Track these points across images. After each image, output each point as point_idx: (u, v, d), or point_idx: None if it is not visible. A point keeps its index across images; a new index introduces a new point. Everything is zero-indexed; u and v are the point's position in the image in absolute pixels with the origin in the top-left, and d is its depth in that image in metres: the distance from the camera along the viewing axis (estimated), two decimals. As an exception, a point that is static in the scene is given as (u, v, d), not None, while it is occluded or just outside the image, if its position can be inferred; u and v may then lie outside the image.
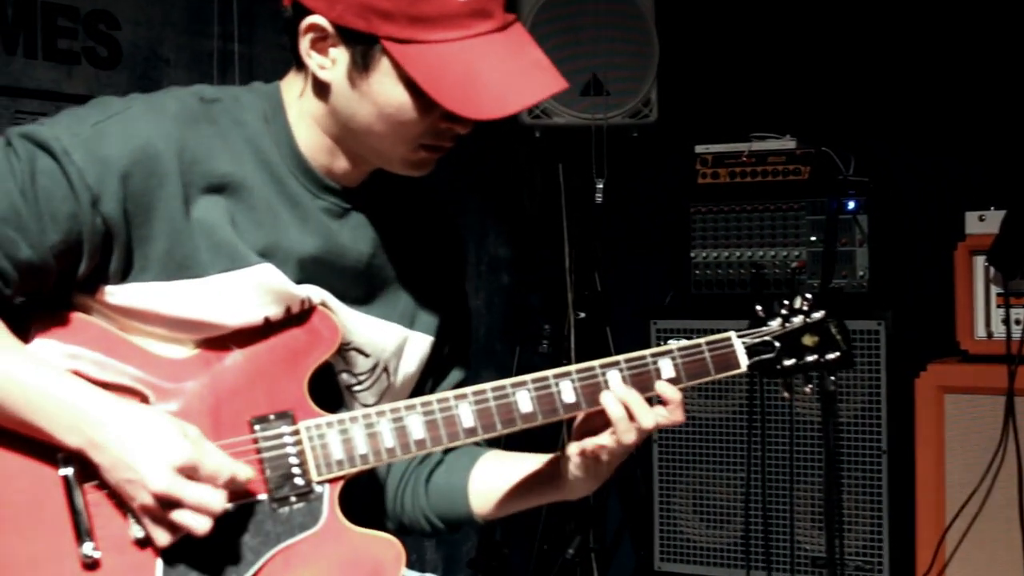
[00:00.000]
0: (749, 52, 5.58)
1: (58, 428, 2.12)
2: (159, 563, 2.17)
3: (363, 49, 2.19)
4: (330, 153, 2.34)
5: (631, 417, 2.32)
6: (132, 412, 2.14)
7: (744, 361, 2.44)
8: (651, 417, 2.33)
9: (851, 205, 4.87)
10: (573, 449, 2.39)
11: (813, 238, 4.93)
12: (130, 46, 4.38)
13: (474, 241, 5.81)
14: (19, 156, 2.15)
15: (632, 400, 2.33)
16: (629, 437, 2.32)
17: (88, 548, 2.14)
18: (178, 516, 2.11)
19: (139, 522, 2.16)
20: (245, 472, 2.19)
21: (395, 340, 2.47)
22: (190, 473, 2.10)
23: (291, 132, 2.34)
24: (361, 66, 2.20)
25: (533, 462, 2.52)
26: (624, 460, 2.40)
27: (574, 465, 2.40)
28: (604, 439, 2.34)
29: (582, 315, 5.32)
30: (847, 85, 5.38)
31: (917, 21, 5.25)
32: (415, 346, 2.51)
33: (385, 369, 2.47)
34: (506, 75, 2.16)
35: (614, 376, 2.36)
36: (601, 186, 5.08)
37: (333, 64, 2.24)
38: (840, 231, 4.87)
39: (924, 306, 5.10)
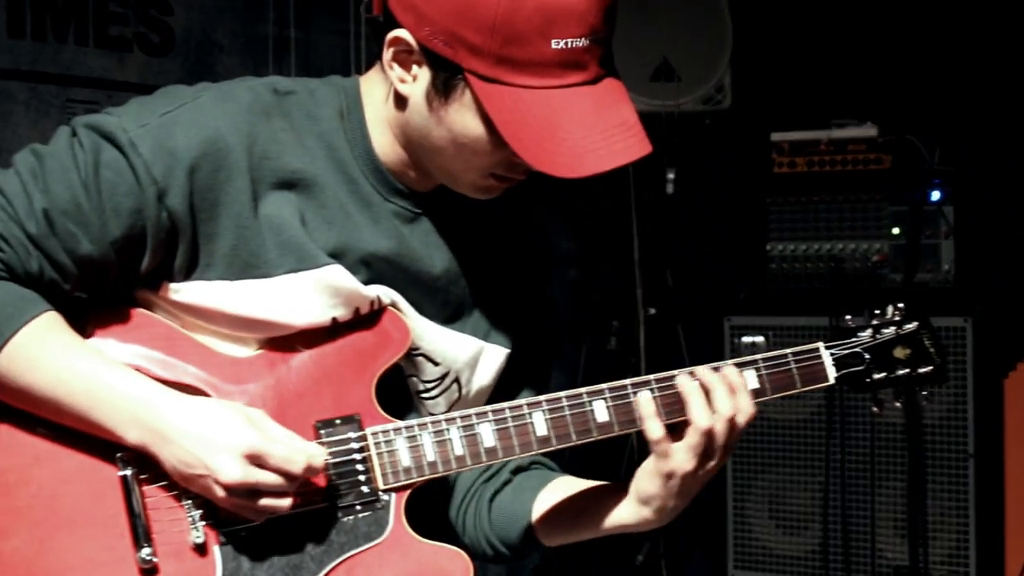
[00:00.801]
0: (828, 34, 5.53)
1: (119, 422, 2.13)
2: (218, 570, 2.19)
3: (446, 77, 2.16)
4: (402, 160, 2.33)
5: (710, 437, 2.26)
6: (194, 404, 2.15)
7: (832, 374, 2.40)
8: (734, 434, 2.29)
9: (936, 195, 4.84)
10: (649, 467, 2.33)
11: (896, 230, 4.89)
12: (183, 32, 4.41)
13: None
14: (83, 147, 2.16)
15: (721, 412, 2.26)
16: (708, 457, 2.28)
17: (146, 553, 2.15)
18: (258, 503, 2.14)
19: (198, 527, 2.18)
20: (318, 453, 2.19)
21: (468, 351, 2.45)
22: (260, 460, 2.11)
23: (366, 131, 2.32)
24: (441, 92, 2.18)
25: (603, 490, 2.46)
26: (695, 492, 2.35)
27: (644, 495, 2.34)
28: (679, 456, 2.27)
29: (652, 311, 5.30)
30: (932, 69, 5.33)
31: (1007, 2, 5.19)
32: (490, 359, 2.50)
33: (456, 380, 2.46)
34: (588, 134, 2.11)
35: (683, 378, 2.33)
36: (672, 176, 5.07)
37: (414, 80, 2.22)
38: (924, 223, 4.84)
39: (1013, 301, 5.05)
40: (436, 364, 2.42)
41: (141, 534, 2.16)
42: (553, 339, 2.65)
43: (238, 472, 2.09)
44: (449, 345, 2.42)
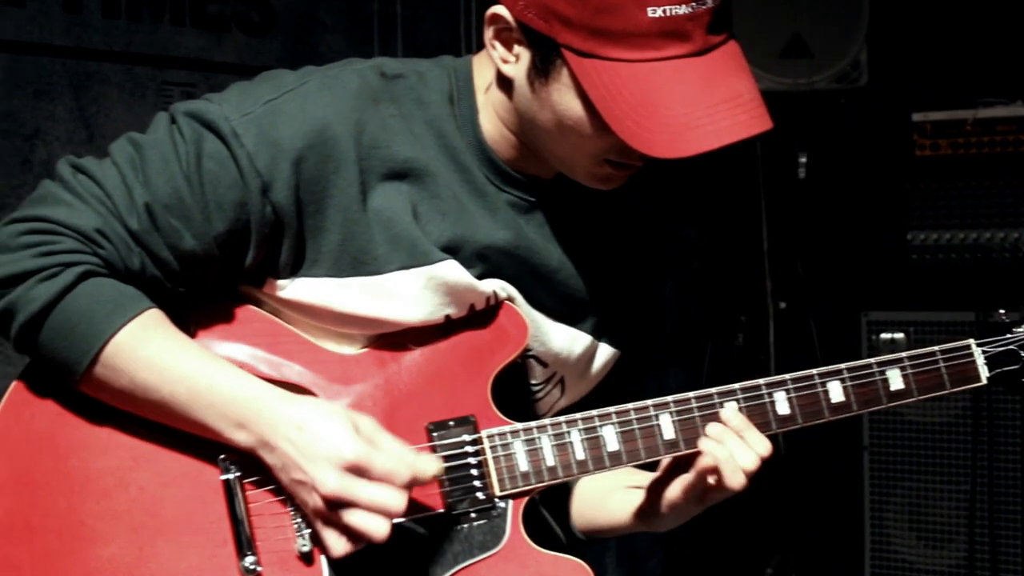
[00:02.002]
0: (974, 3, 5.45)
1: (226, 425, 2.15)
2: (325, 582, 2.20)
3: (543, 53, 2.15)
4: (513, 147, 2.32)
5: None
6: (301, 408, 2.15)
7: (985, 374, 2.35)
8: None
9: (1093, 179, 4.76)
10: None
11: (1049, 217, 4.82)
12: (284, 10, 4.44)
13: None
14: (184, 136, 2.18)
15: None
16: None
17: (249, 562, 2.17)
18: (352, 518, 2.10)
19: (304, 535, 2.18)
20: (428, 466, 2.16)
21: (579, 350, 2.45)
22: (361, 472, 2.10)
23: (477, 118, 2.32)
24: (541, 71, 2.17)
25: (635, 478, 2.46)
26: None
27: (676, 507, 2.35)
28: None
29: (783, 305, 5.27)
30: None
31: None
32: (600, 359, 2.50)
33: (561, 381, 2.46)
34: (690, 109, 2.07)
35: (835, 387, 2.31)
36: (804, 160, 5.03)
37: (516, 60, 2.22)
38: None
39: None
40: (545, 366, 2.42)
41: (244, 542, 2.17)
42: (657, 347, 2.63)
43: (335, 482, 2.08)
44: (563, 343, 2.41)
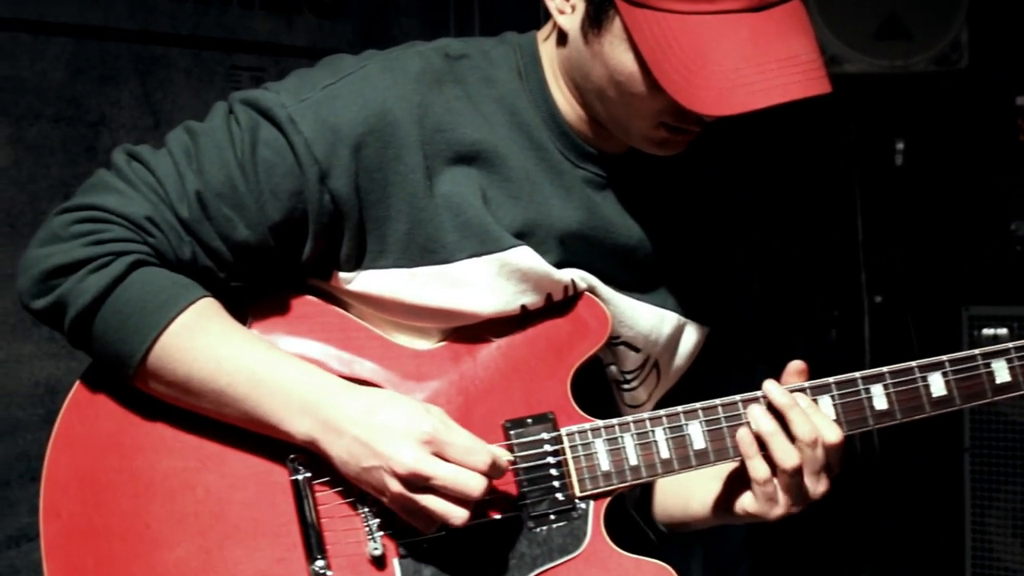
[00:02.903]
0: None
1: (286, 414, 2.14)
2: (398, 585, 2.20)
3: (597, 3, 2.15)
4: (583, 119, 2.31)
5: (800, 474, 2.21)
6: (369, 394, 2.16)
7: None
8: None
9: None
10: None
11: None
12: (358, -9, 4.45)
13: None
14: (240, 124, 2.19)
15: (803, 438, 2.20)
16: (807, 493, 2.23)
17: (319, 565, 2.18)
18: (430, 502, 2.10)
19: (376, 537, 2.19)
20: (503, 454, 2.17)
21: (668, 330, 2.43)
22: (439, 448, 2.09)
23: (547, 90, 2.31)
24: (594, 21, 2.16)
25: (715, 479, 2.42)
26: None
27: (748, 514, 2.31)
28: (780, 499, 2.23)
29: (878, 299, 5.23)
30: None
31: None
32: (689, 337, 2.48)
33: (656, 365, 2.45)
34: (743, 66, 2.04)
35: (936, 379, 2.28)
36: (901, 147, 4.99)
37: (572, 11, 2.21)
38: None
39: None
40: (637, 351, 2.41)
41: (314, 545, 2.18)
42: (759, 318, 2.60)
43: (413, 457, 2.07)
44: (651, 325, 2.40)
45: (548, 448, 2.25)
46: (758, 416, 2.20)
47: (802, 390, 2.25)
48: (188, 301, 2.15)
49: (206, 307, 2.18)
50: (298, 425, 2.14)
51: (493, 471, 2.13)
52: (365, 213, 2.20)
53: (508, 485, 2.23)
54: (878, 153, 5.19)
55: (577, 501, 2.26)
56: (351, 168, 2.17)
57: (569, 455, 2.25)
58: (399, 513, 2.15)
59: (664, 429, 2.26)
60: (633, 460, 2.25)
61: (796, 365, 2.27)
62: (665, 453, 2.26)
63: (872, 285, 5.25)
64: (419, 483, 2.09)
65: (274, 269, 2.25)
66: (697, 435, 2.25)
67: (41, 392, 4.30)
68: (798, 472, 2.18)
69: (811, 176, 5.91)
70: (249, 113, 2.19)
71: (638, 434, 2.26)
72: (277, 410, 2.14)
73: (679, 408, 2.27)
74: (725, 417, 2.26)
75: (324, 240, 2.21)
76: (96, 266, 2.13)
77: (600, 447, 2.26)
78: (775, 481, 2.20)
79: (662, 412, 2.26)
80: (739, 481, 2.30)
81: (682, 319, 2.45)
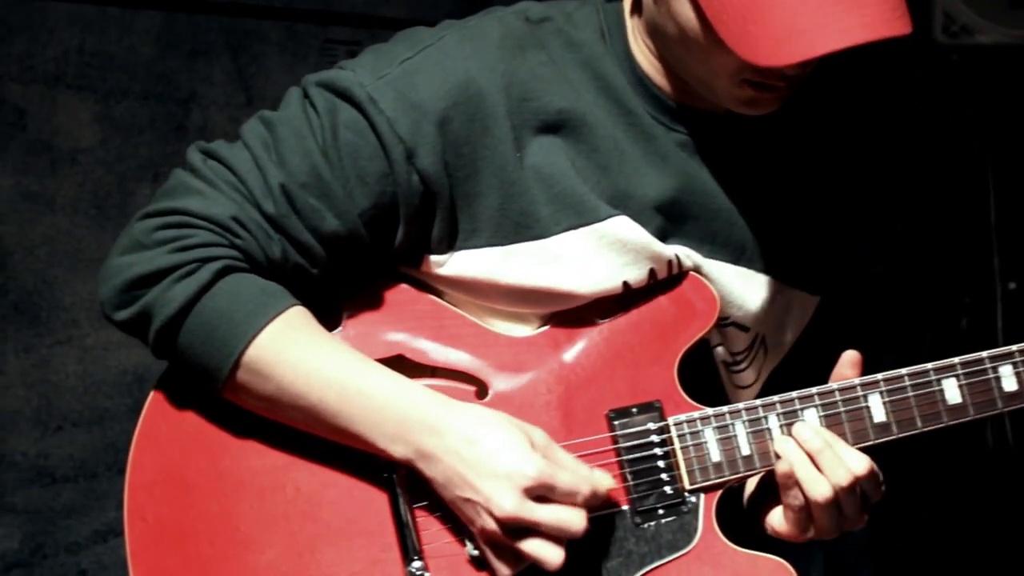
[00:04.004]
0: None
1: (381, 437, 2.14)
2: (500, 587, 2.20)
3: None
4: (669, 81, 2.28)
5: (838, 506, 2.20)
6: (469, 418, 2.13)
7: None
8: None
9: None
10: None
11: None
12: (459, -42, 4.45)
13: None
14: (318, 109, 2.18)
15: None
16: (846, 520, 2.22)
17: (416, 567, 2.18)
18: (526, 545, 2.09)
19: (475, 538, 2.18)
20: (605, 482, 2.17)
21: (776, 302, 2.41)
22: (542, 492, 2.08)
23: (631, 52, 2.29)
24: None
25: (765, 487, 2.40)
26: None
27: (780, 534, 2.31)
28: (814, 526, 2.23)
29: (1012, 286, 5.15)
30: None
31: None
32: (798, 308, 2.47)
33: (763, 341, 2.44)
34: (801, 11, 2.01)
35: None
36: (1037, 122, 4.92)
37: None
38: None
39: None
40: (747, 330, 2.39)
41: (410, 546, 2.19)
42: (877, 287, 2.57)
43: (514, 505, 2.07)
44: (758, 297, 2.38)
45: (655, 439, 2.25)
46: (790, 452, 2.20)
47: (924, 372, 2.23)
48: (277, 311, 2.15)
49: (295, 317, 2.18)
50: (394, 446, 2.14)
51: (595, 503, 2.13)
52: (455, 190, 2.20)
53: (613, 479, 2.22)
54: (1012, 129, 5.11)
55: (687, 494, 2.24)
56: (437, 145, 2.17)
57: (677, 446, 2.24)
58: (483, 548, 2.15)
59: (778, 416, 2.24)
60: (745, 449, 2.24)
61: (851, 356, 2.25)
62: None
63: (1005, 270, 5.18)
64: (516, 529, 2.09)
65: (366, 259, 2.25)
66: (813, 422, 2.23)
67: (129, 381, 4.35)
68: (832, 505, 2.18)
69: (939, 155, 5.84)
70: (326, 96, 2.19)
71: (750, 421, 2.24)
72: (371, 429, 2.14)
73: (793, 394, 2.25)
74: (842, 401, 2.24)
75: (415, 223, 2.21)
76: (182, 274, 2.13)
77: (710, 436, 2.24)
78: (809, 511, 2.21)
79: (775, 398, 2.25)
80: (773, 494, 2.29)
81: (789, 289, 2.43)
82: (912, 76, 5.56)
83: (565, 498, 2.09)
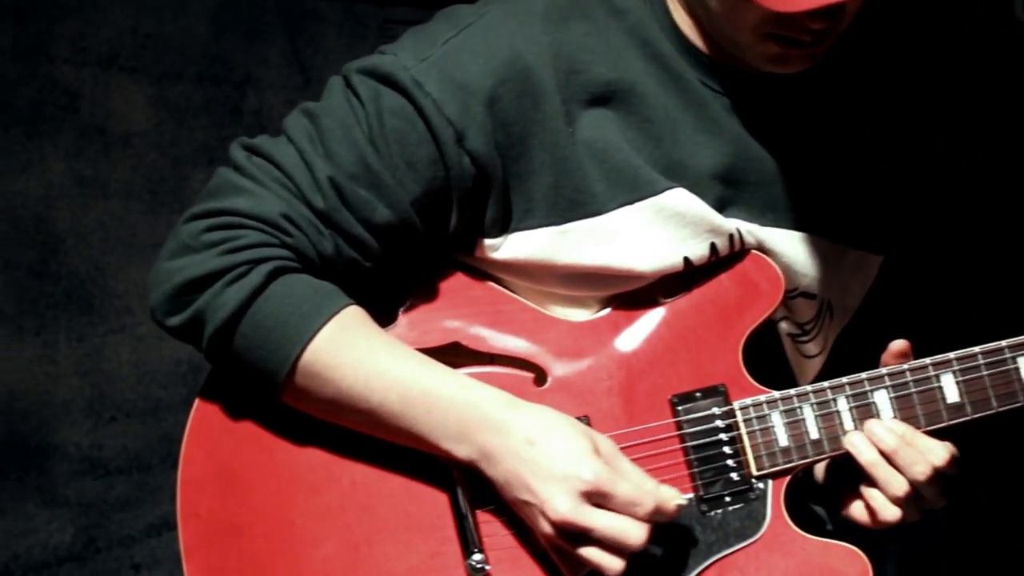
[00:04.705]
0: None
1: (444, 438, 2.14)
2: (561, 577, 2.20)
3: None
4: (706, 40, 2.26)
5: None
6: (532, 419, 2.13)
7: None
8: None
9: None
10: None
11: None
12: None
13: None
14: (361, 97, 2.18)
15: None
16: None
17: (477, 560, 2.18)
18: (583, 552, 2.09)
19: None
20: (673, 497, 2.14)
21: (840, 264, 2.40)
22: (600, 500, 2.08)
23: (671, 15, 2.27)
24: None
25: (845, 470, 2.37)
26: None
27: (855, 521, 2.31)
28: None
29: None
30: None
31: None
32: (862, 269, 2.45)
33: (829, 307, 2.42)
34: None
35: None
36: None
37: None
38: None
39: None
40: (813, 297, 2.38)
41: (470, 539, 2.19)
42: (928, 251, 2.54)
43: (569, 508, 2.07)
44: (822, 263, 2.36)
45: (720, 424, 2.24)
46: (860, 447, 2.20)
47: (999, 350, 2.21)
48: (332, 312, 2.15)
49: (351, 317, 2.18)
50: (456, 448, 2.14)
51: (659, 518, 2.12)
52: (507, 171, 2.19)
53: (678, 466, 2.22)
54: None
55: (754, 480, 2.24)
56: (487, 124, 2.16)
57: (743, 430, 2.24)
58: (547, 550, 2.15)
59: (847, 398, 2.23)
60: (814, 433, 2.23)
61: (898, 346, 2.24)
62: (849, 425, 2.23)
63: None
64: (572, 533, 2.09)
65: (420, 248, 2.25)
66: (884, 404, 2.22)
67: (184, 371, 4.38)
68: (912, 499, 2.18)
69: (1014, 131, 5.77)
70: (369, 83, 2.18)
71: (818, 404, 2.23)
72: (433, 430, 2.14)
73: (863, 375, 2.23)
74: (914, 382, 2.22)
75: (468, 206, 2.21)
76: (233, 277, 2.13)
77: (777, 420, 2.24)
78: (888, 502, 2.21)
79: (844, 380, 2.24)
80: (847, 478, 2.28)
81: (852, 250, 2.41)
82: (993, 53, 5.52)
83: (624, 508, 2.08)
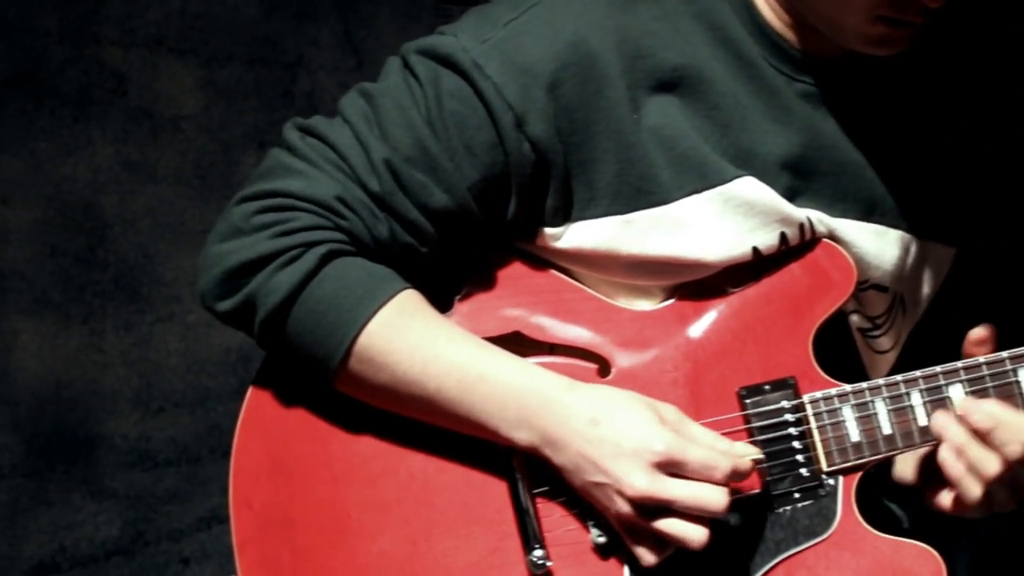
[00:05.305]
0: None
1: (504, 424, 2.14)
2: None
3: None
4: (790, 26, 2.25)
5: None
6: (593, 398, 2.14)
7: None
8: None
9: None
10: None
11: None
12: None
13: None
14: (420, 79, 2.17)
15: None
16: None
17: (538, 556, 2.18)
18: (665, 525, 2.09)
19: (601, 523, 2.18)
20: (748, 456, 2.15)
21: (912, 257, 2.38)
22: (674, 468, 2.08)
23: None
24: None
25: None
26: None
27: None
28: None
29: None
30: None
31: None
32: (934, 261, 2.44)
33: (902, 300, 2.41)
34: None
35: None
36: None
37: None
38: None
39: None
40: (885, 290, 2.36)
41: (531, 533, 2.19)
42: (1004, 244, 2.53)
43: (646, 482, 2.06)
44: (894, 254, 2.35)
45: (789, 418, 2.23)
46: (949, 431, 2.17)
47: (999, 361, 2.20)
48: (387, 295, 2.16)
49: (407, 300, 2.18)
50: (517, 433, 2.14)
51: (737, 479, 2.12)
52: (569, 158, 2.19)
53: (759, 453, 2.20)
54: None
55: (824, 477, 2.23)
56: (548, 110, 2.15)
57: (814, 425, 2.23)
58: (622, 534, 2.14)
59: (921, 392, 2.21)
60: (887, 428, 2.21)
61: (978, 333, 2.21)
62: (923, 420, 2.21)
63: None
64: (653, 507, 2.08)
65: (477, 235, 2.25)
66: (958, 398, 2.20)
67: (233, 360, 4.39)
68: (1008, 477, 2.15)
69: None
70: (428, 64, 2.18)
71: (891, 398, 2.21)
72: (493, 416, 2.15)
73: (937, 368, 2.22)
74: (990, 376, 2.20)
75: (528, 194, 2.20)
76: (285, 260, 2.13)
77: (848, 414, 2.22)
78: (984, 490, 2.17)
79: (918, 373, 2.22)
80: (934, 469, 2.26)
81: (925, 242, 2.40)
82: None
83: (700, 473, 2.08)
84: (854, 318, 2.36)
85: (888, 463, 2.42)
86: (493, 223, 2.23)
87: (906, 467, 2.40)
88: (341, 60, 4.56)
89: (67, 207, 4.23)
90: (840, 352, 2.34)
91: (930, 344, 2.28)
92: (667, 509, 2.08)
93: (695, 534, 2.08)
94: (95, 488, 4.25)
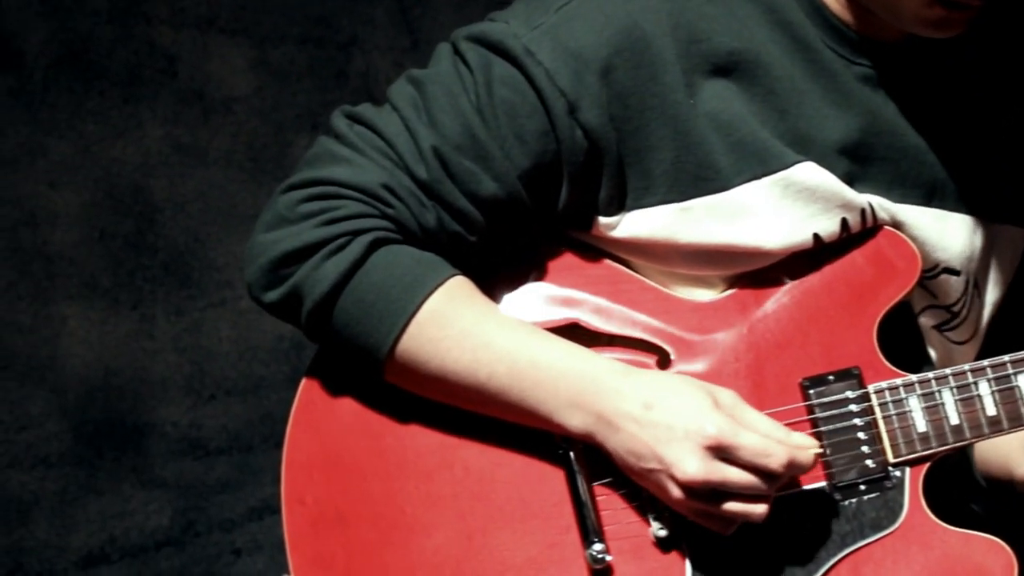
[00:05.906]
0: None
1: (557, 407, 2.15)
2: (688, 570, 2.20)
3: None
4: (847, 8, 2.24)
5: None
6: (647, 382, 2.14)
7: None
8: None
9: None
10: None
11: None
12: None
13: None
14: (470, 65, 2.17)
15: None
16: None
17: (597, 550, 2.18)
18: (726, 507, 2.09)
19: (663, 517, 2.19)
20: (806, 444, 2.14)
21: (981, 240, 2.37)
22: (726, 453, 2.08)
23: None
24: None
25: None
26: None
27: None
28: None
29: None
30: None
31: None
32: (1005, 244, 2.42)
33: (976, 285, 2.40)
34: None
35: None
36: None
37: None
38: None
39: None
40: (957, 274, 2.35)
41: (590, 527, 2.19)
42: None
43: (698, 467, 2.07)
44: (963, 237, 2.34)
45: (854, 408, 2.23)
46: None
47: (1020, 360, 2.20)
48: (436, 282, 2.16)
49: (456, 287, 2.19)
50: (570, 419, 2.15)
51: (795, 471, 2.11)
52: (623, 146, 2.19)
53: (819, 446, 2.20)
54: None
55: (890, 468, 2.22)
56: (602, 96, 2.15)
57: (879, 415, 2.22)
58: (684, 514, 2.14)
59: (989, 381, 2.21)
60: (954, 419, 2.21)
61: None
62: (991, 410, 2.21)
63: None
64: (706, 493, 2.09)
65: (529, 224, 2.25)
66: (1034, 388, 2.20)
67: (286, 347, 4.40)
68: None
69: None
70: (478, 50, 2.18)
71: (958, 388, 2.21)
72: (545, 402, 2.15)
73: (1005, 357, 2.22)
74: None
75: (580, 183, 2.20)
76: (332, 249, 2.14)
77: (915, 405, 2.22)
78: None
79: (985, 362, 2.22)
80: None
81: (992, 224, 2.39)
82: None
83: (754, 460, 2.08)
84: (924, 318, 2.36)
85: (965, 457, 2.43)
86: (544, 212, 2.23)
87: (995, 457, 2.42)
88: (396, 39, 4.56)
89: (116, 190, 4.25)
90: (908, 347, 2.33)
91: (1010, 333, 2.27)
92: (722, 493, 2.09)
93: (755, 511, 2.09)
94: (145, 477, 4.28)
